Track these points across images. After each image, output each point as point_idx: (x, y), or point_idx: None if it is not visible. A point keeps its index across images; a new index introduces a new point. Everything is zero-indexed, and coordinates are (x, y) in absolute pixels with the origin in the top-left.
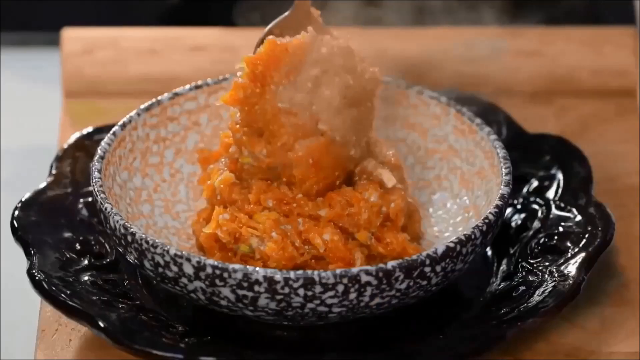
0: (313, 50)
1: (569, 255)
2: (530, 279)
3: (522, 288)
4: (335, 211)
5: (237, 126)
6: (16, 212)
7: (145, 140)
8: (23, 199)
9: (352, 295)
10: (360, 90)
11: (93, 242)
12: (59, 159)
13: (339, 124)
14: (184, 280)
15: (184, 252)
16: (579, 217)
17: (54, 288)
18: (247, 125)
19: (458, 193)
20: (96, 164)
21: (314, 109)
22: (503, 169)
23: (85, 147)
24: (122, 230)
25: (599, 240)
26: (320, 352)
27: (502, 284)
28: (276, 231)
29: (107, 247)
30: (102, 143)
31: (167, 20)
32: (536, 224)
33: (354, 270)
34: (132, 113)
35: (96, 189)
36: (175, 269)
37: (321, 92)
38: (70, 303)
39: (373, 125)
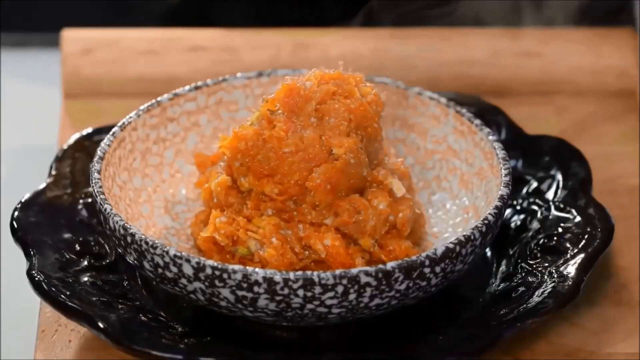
0: (304, 88)
1: (569, 256)
2: (530, 279)
3: (521, 289)
4: (342, 219)
5: (236, 167)
6: (16, 213)
7: (145, 140)
8: (23, 200)
9: (352, 296)
10: (364, 112)
11: (93, 243)
12: (58, 159)
13: (351, 146)
14: (184, 281)
15: (183, 253)
16: (578, 218)
17: (53, 289)
18: (250, 172)
19: (457, 194)
20: (96, 164)
21: (324, 139)
22: (502, 170)
23: (85, 147)
24: (122, 231)
25: (598, 241)
26: (320, 353)
27: (502, 285)
28: (276, 236)
29: (107, 247)
30: (102, 144)
31: (168, 20)
32: (535, 225)
33: (354, 271)
34: (132, 114)
35: (96, 190)
36: (174, 269)
37: (326, 122)
38: (70, 304)
39: (382, 145)
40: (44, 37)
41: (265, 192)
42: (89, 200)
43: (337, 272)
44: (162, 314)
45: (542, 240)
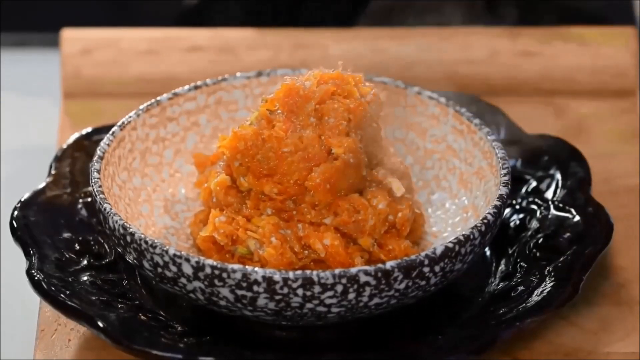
0: (304, 88)
1: (568, 255)
2: (529, 279)
3: (520, 288)
4: (342, 218)
5: (236, 167)
6: (15, 212)
7: (144, 140)
8: (22, 199)
9: (351, 296)
10: (363, 112)
11: (92, 243)
12: (58, 159)
13: (351, 146)
14: (183, 280)
15: (182, 253)
16: (577, 218)
17: (53, 288)
18: (249, 171)
19: (457, 193)
20: (95, 164)
21: (323, 138)
22: (502, 169)
23: (84, 147)
24: (121, 231)
25: (597, 240)
26: (320, 352)
27: (501, 284)
28: (275, 236)
29: (107, 247)
30: (102, 143)
31: (182, 21)
32: (535, 224)
33: (353, 270)
34: (132, 113)
35: (95, 189)
36: (174, 269)
37: (326, 122)
38: (70, 303)
39: (381, 145)
40: (44, 37)
41: (265, 191)
42: (89, 199)
43: (337, 271)
44: (162, 313)
45: (541, 240)
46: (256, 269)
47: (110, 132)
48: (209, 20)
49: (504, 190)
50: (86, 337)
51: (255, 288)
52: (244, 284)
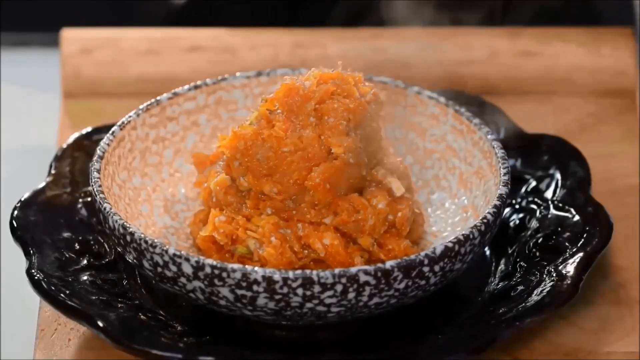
0: (304, 88)
1: (567, 255)
2: (529, 278)
3: (520, 288)
4: (341, 218)
5: (235, 166)
6: (15, 212)
7: (144, 140)
8: (22, 199)
9: (351, 295)
10: (363, 112)
11: (92, 242)
12: (58, 159)
13: (350, 146)
14: (183, 280)
15: (182, 252)
16: (577, 217)
17: (53, 288)
18: (249, 171)
19: (456, 193)
20: (95, 164)
21: (323, 138)
22: (501, 169)
23: (84, 147)
24: (121, 230)
25: (597, 240)
26: (320, 352)
27: (501, 284)
28: (275, 235)
29: (106, 247)
30: (101, 143)
31: (171, 20)
32: (534, 224)
33: (353, 270)
34: (131, 113)
35: (95, 189)
36: (174, 268)
37: (325, 121)
38: (70, 303)
39: (381, 144)
40: (44, 37)
41: (265, 191)
42: (89, 199)
43: (336, 271)
44: (162, 313)
45: (540, 239)
46: (256, 268)
47: (110, 132)
48: (193, 20)
49: (503, 190)
50: (86, 337)
51: (255, 288)
52: (244, 284)
